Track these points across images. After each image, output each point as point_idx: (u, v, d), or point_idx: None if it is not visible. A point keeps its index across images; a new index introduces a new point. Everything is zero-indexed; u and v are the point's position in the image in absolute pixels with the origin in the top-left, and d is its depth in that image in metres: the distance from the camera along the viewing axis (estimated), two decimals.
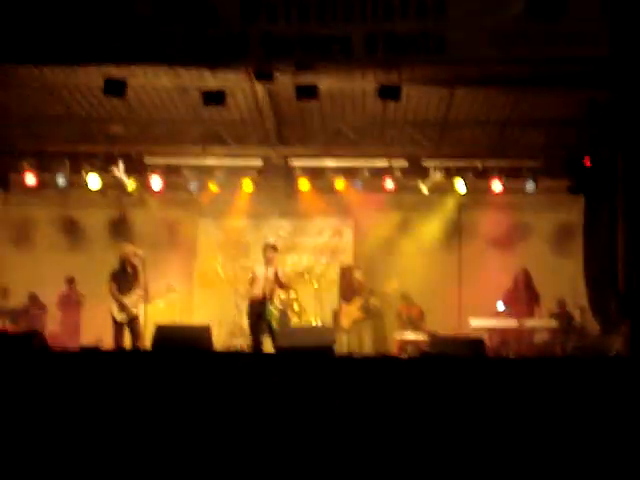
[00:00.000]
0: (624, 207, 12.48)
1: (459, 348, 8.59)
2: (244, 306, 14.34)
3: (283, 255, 12.94)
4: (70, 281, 14.42)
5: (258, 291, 11.13)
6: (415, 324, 13.47)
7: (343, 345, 12.68)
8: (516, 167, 13.84)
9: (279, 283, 11.23)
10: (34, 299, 14.20)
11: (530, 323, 12.90)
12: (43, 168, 14.05)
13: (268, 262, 11.23)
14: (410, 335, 13.18)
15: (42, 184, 14.29)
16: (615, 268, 12.67)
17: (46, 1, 10.34)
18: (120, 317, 11.07)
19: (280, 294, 11.71)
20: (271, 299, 11.28)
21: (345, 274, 14.01)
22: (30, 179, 14.01)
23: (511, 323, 12.80)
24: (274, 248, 11.43)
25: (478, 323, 12.76)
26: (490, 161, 13.82)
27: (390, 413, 6.13)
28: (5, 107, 13.07)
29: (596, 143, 12.82)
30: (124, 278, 11.27)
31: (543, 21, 10.02)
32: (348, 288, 13.48)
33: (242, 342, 13.79)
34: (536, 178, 13.68)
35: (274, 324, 11.22)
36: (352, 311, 13.05)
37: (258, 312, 11.14)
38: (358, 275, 13.27)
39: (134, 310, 11.08)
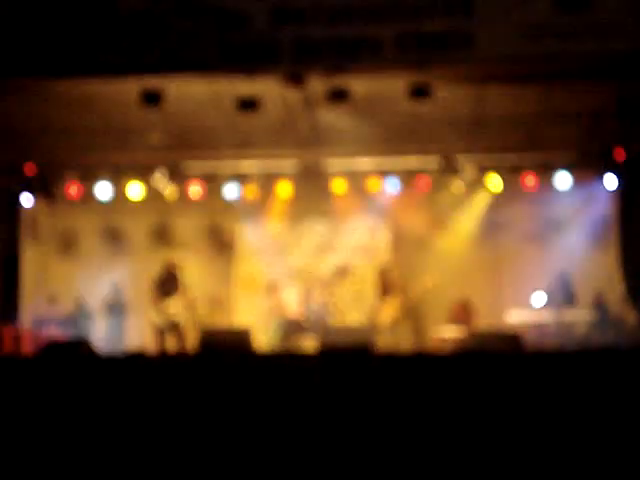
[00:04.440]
0: None
1: (497, 343, 8.70)
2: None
3: (320, 256, 13.05)
4: (115, 288, 14.69)
5: None
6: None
7: (382, 344, 12.79)
8: (549, 161, 13.91)
9: None
10: (80, 306, 14.51)
11: (568, 316, 12.95)
12: (85, 179, 14.38)
13: None
14: (448, 331, 13.27)
15: (85, 195, 14.61)
16: None
17: (83, 14, 10.64)
18: (160, 322, 11.27)
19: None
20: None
21: (383, 275, 14.14)
22: (73, 190, 14.37)
23: (549, 317, 12.86)
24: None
25: (516, 318, 12.83)
26: (523, 156, 13.90)
27: (430, 410, 6.25)
28: (46, 120, 13.37)
29: (629, 135, 12.83)
30: (166, 285, 11.48)
31: (570, 14, 10.10)
32: (385, 288, 13.63)
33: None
34: (570, 172, 13.73)
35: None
36: (390, 310, 13.19)
37: None
38: (392, 275, 13.42)
39: (176, 316, 11.29)
